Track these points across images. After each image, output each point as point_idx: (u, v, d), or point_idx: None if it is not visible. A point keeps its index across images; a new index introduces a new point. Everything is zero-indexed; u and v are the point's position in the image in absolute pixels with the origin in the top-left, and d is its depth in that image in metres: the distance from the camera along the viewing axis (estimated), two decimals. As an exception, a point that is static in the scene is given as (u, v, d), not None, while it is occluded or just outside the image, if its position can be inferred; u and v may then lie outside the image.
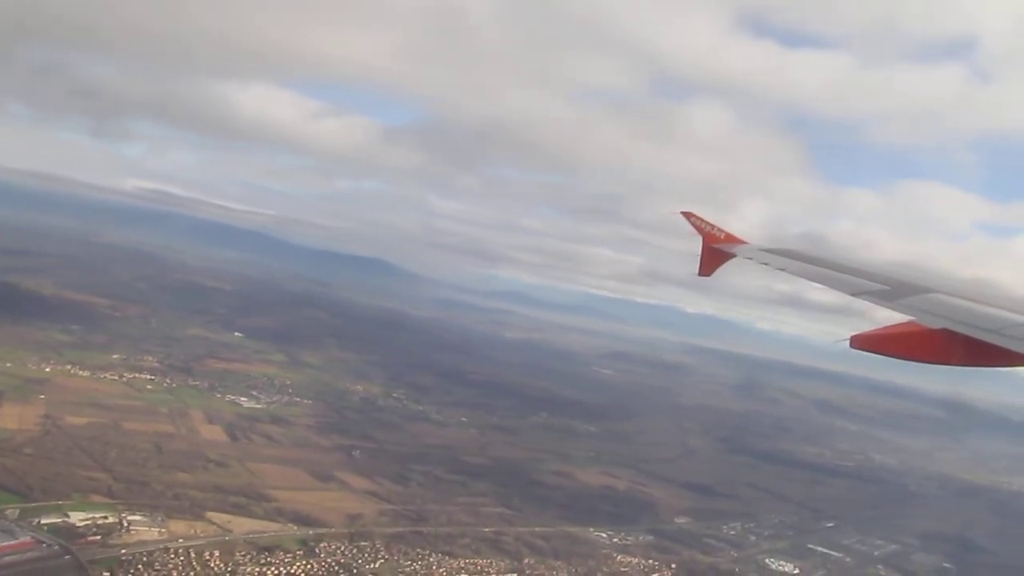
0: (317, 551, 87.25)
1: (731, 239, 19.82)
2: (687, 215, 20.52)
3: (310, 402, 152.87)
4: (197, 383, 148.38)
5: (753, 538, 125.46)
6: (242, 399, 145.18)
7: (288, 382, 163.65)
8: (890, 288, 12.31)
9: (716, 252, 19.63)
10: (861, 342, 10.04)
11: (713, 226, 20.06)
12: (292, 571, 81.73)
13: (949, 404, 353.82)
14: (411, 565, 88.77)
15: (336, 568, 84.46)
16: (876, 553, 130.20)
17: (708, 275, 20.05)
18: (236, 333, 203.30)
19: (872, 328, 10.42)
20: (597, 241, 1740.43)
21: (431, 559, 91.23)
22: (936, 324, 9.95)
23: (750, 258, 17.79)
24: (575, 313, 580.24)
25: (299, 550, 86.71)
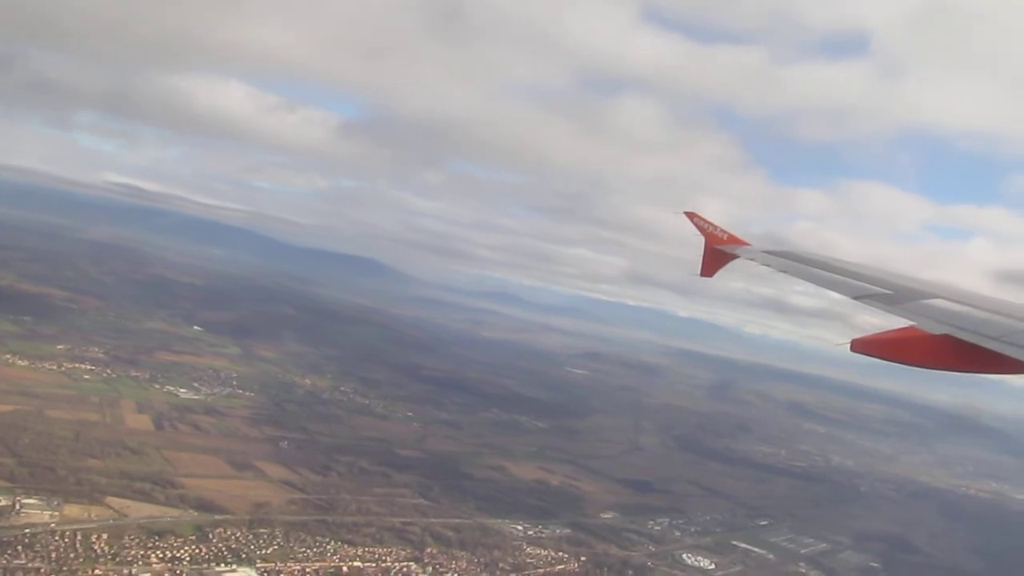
0: (210, 537, 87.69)
1: (733, 240, 20.07)
2: (690, 215, 20.73)
3: (252, 394, 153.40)
4: (138, 374, 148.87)
5: (678, 534, 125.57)
6: (181, 390, 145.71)
7: (235, 375, 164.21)
8: (892, 292, 12.35)
9: (718, 253, 19.87)
10: (862, 346, 10.10)
11: (716, 227, 20.29)
12: (178, 555, 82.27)
13: (930, 410, 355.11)
14: (305, 552, 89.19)
15: (225, 553, 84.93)
16: (803, 551, 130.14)
17: (710, 276, 20.31)
18: (195, 327, 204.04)
19: (871, 332, 10.49)
20: (572, 241, 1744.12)
21: (328, 547, 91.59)
22: (938, 330, 9.92)
23: (752, 259, 18.02)
24: (564, 315, 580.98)
25: (192, 535, 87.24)
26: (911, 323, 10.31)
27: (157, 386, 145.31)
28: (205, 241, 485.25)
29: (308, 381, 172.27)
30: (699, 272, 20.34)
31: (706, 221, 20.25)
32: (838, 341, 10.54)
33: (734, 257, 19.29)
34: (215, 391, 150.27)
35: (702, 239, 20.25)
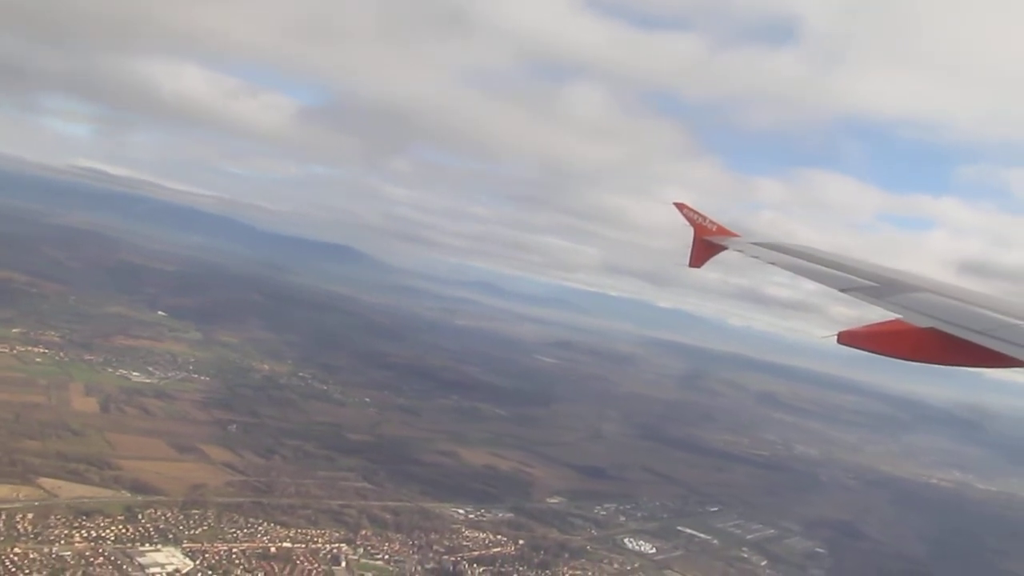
0: (139, 517, 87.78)
1: (722, 231, 20.13)
2: (680, 206, 20.87)
3: (207, 379, 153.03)
4: (92, 358, 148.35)
5: (623, 519, 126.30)
6: (134, 374, 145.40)
7: (192, 359, 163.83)
8: (879, 285, 12.41)
9: (707, 244, 19.96)
10: (848, 339, 10.12)
11: (705, 218, 20.38)
12: (103, 535, 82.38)
13: (905, 402, 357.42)
14: (235, 532, 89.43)
15: (152, 533, 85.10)
16: (749, 537, 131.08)
17: (699, 266, 20.42)
18: (159, 312, 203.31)
19: (857, 325, 10.48)
20: (543, 230, 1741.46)
21: (260, 528, 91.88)
22: (924, 323, 9.98)
23: (740, 251, 18.09)
24: (544, 305, 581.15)
25: (120, 516, 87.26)
26: (897, 316, 10.43)
27: (110, 370, 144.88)
28: (183, 228, 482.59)
29: (267, 366, 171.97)
30: (688, 263, 20.54)
31: (695, 212, 20.41)
32: (823, 334, 10.65)
33: (723, 248, 19.41)
34: (169, 375, 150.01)
35: (686, 230, 20.40)
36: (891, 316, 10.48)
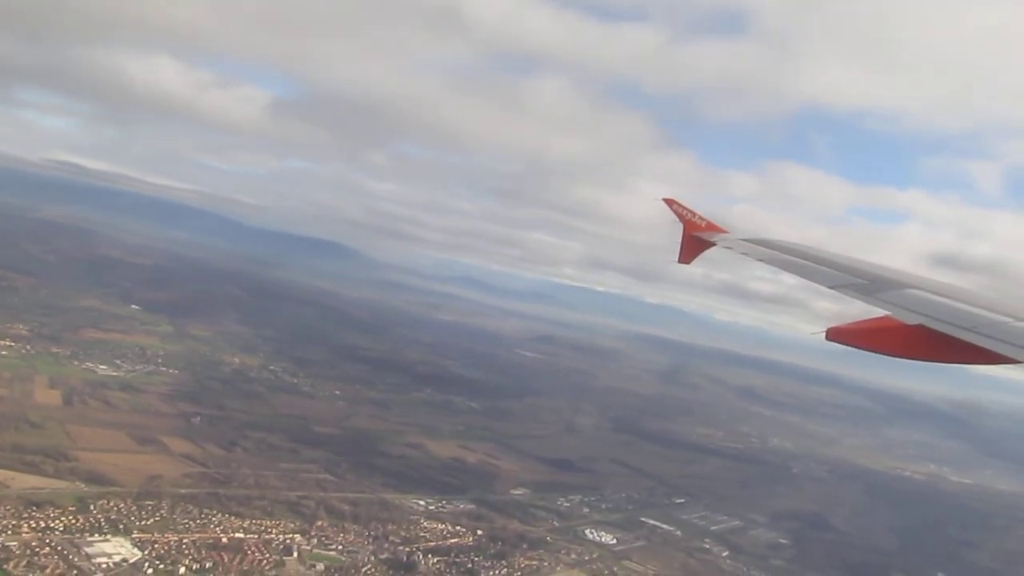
0: (91, 508, 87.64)
1: (712, 227, 20.03)
2: (669, 202, 20.71)
3: (175, 372, 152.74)
4: (59, 351, 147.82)
5: (587, 510, 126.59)
6: (101, 367, 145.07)
7: (162, 353, 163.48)
8: (867, 282, 12.39)
9: (696, 240, 19.86)
10: (837, 335, 10.15)
11: (694, 213, 20.28)
12: (52, 525, 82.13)
13: (887, 396, 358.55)
14: (187, 523, 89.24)
15: (102, 523, 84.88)
16: (713, 528, 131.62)
17: (688, 262, 20.31)
18: (133, 306, 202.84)
19: (847, 321, 10.53)
20: (526, 224, 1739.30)
21: (214, 519, 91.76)
22: (912, 320, 10.01)
23: (730, 247, 17.98)
24: (530, 300, 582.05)
25: (72, 507, 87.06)
26: (886, 313, 10.46)
27: (76, 363, 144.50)
28: (167, 223, 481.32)
29: (237, 360, 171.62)
30: (677, 259, 20.45)
31: (684, 208, 20.35)
32: (812, 330, 10.63)
33: (711, 245, 19.36)
34: (136, 368, 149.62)
35: (669, 225, 20.32)
36: (879, 312, 10.57)
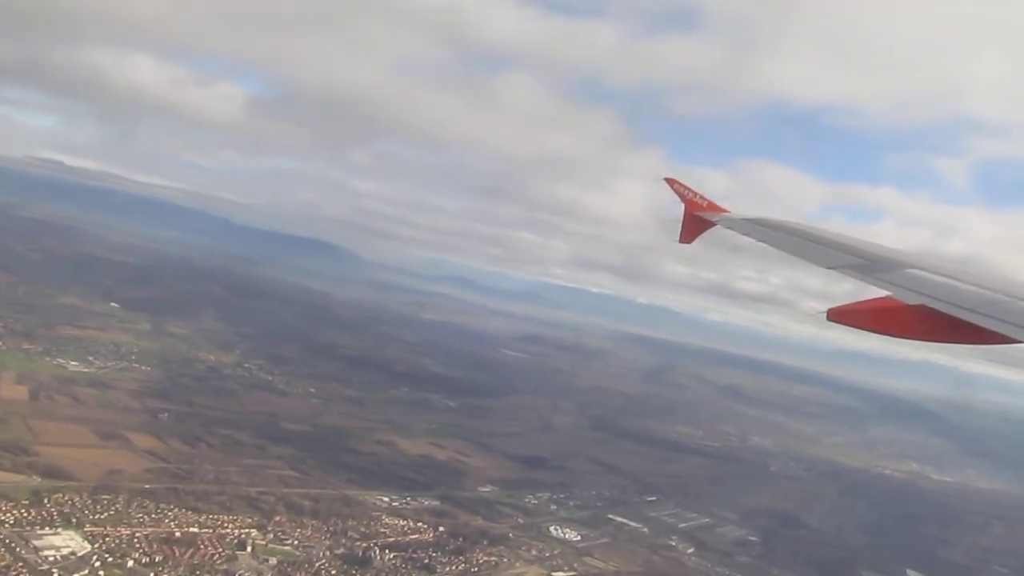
0: (45, 502, 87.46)
1: (713, 207, 20.10)
2: (670, 182, 20.79)
3: (148, 368, 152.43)
4: (31, 347, 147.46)
5: (554, 507, 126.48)
6: (72, 363, 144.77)
7: (136, 349, 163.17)
8: (868, 262, 12.40)
9: (697, 220, 19.93)
10: (838, 315, 10.13)
11: (696, 193, 20.35)
12: (2, 518, 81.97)
13: (875, 395, 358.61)
14: (141, 518, 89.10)
15: (55, 517, 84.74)
16: (681, 525, 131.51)
17: (689, 242, 20.35)
18: (112, 303, 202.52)
19: (844, 303, 10.45)
20: (511, 223, 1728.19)
21: (169, 513, 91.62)
22: (913, 300, 10.02)
23: (730, 228, 18.01)
24: (520, 300, 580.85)
25: (25, 500, 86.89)
26: (887, 293, 10.43)
27: (47, 359, 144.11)
28: (153, 220, 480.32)
29: (212, 357, 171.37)
30: (678, 238, 20.53)
31: (685, 187, 20.42)
32: (817, 309, 10.53)
33: (712, 224, 19.35)
34: (108, 365, 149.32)
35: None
36: (880, 293, 10.54)
